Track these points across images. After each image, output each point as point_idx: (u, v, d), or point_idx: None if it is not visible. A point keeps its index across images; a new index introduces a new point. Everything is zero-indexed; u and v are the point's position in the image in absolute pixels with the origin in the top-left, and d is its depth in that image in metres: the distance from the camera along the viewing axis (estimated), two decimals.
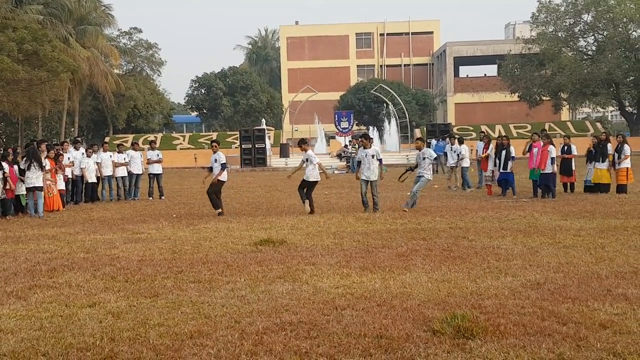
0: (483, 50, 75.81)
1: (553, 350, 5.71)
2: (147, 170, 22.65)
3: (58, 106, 49.44)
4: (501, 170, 19.70)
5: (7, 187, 17.06)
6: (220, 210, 16.68)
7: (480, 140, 23.43)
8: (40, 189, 17.43)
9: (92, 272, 9.54)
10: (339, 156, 44.42)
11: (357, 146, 40.52)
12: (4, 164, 17.00)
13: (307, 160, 16.45)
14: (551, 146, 18.54)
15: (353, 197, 20.05)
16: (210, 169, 16.98)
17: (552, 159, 18.43)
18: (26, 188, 17.40)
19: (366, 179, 16.40)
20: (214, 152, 16.97)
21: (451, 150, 23.62)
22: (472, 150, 25.70)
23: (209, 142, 18.05)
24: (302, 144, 16.97)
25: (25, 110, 42.12)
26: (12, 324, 6.92)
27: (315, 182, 16.61)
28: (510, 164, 19.56)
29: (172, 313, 7.16)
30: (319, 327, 6.46)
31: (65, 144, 21.94)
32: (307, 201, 16.37)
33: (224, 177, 16.84)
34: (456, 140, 23.79)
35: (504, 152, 19.57)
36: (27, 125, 55.61)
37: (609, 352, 5.67)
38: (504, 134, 46.51)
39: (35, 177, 17.21)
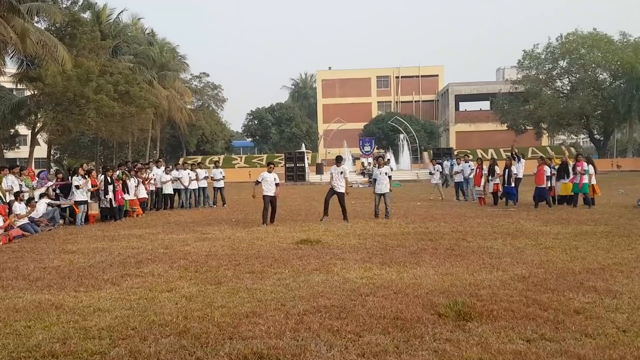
0: (478, 89, 75.29)
1: (536, 331, 5.64)
2: (211, 184, 22.83)
3: (144, 134, 50.19)
4: (505, 185, 19.44)
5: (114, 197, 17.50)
6: (265, 224, 15.51)
7: (466, 162, 23.18)
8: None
9: (170, 264, 9.62)
10: (363, 173, 44.40)
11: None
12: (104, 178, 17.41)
13: (341, 173, 15.73)
14: (546, 166, 18.64)
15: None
16: (258, 182, 15.89)
17: (547, 176, 18.50)
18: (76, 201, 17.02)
19: (379, 192, 16.41)
20: (270, 172, 15.87)
21: (434, 170, 24.12)
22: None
23: (266, 163, 17.13)
24: (339, 160, 16.13)
25: (118, 137, 42.81)
26: (108, 304, 7.01)
27: (344, 194, 15.83)
28: (511, 179, 19.32)
29: (232, 297, 7.19)
30: (348, 310, 6.44)
31: (151, 163, 22.25)
32: (326, 217, 15.80)
33: (272, 192, 15.71)
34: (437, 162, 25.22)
35: (507, 171, 19.34)
36: (120, 148, 56.43)
37: (582, 333, 5.59)
38: (495, 156, 46.27)
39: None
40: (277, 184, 15.97)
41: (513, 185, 19.38)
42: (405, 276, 8.25)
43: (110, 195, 17.34)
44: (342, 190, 15.76)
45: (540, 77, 56.89)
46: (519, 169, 19.91)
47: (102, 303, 7.09)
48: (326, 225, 14.88)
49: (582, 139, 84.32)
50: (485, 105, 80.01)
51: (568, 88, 57.93)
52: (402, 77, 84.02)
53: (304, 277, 8.28)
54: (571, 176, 18.76)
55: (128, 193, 18.27)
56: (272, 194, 15.79)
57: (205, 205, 22.34)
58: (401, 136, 59.45)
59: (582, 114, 54.33)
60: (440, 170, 24.69)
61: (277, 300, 7.01)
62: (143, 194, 19.56)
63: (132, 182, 18.69)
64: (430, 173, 24.77)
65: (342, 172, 15.79)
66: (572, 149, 55.29)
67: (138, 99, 35.99)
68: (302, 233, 13.32)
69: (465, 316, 6.06)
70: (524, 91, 57.55)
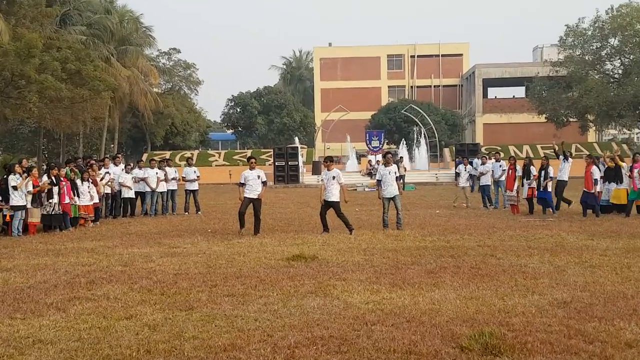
0: (511, 73, 75.52)
1: None
2: (183, 186, 22.80)
3: (99, 123, 49.97)
4: (540, 190, 19.48)
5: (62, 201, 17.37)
6: (242, 227, 15.98)
7: (497, 161, 23.23)
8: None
9: (130, 285, 9.60)
10: (370, 174, 44.41)
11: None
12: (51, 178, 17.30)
13: (333, 177, 15.69)
14: (594, 167, 18.60)
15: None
16: (242, 184, 16.11)
17: (595, 180, 18.46)
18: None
19: (388, 196, 16.41)
20: (252, 169, 16.15)
21: (465, 171, 23.96)
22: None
23: (246, 159, 17.30)
24: (329, 161, 16.12)
25: (67, 127, 42.60)
26: (51, 334, 6.98)
27: (338, 202, 15.83)
28: (549, 184, 19.37)
29: (206, 326, 7.17)
30: (350, 342, 6.43)
31: (106, 159, 22.17)
32: (326, 233, 15.63)
33: (257, 194, 15.91)
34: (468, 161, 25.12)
35: (542, 173, 19.38)
36: (68, 141, 56.32)
37: None
38: (531, 154, 46.39)
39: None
40: (263, 182, 16.10)
41: (549, 190, 19.43)
42: (421, 301, 8.25)
43: (56, 199, 17.29)
44: (336, 198, 15.74)
45: (587, 58, 56.93)
46: (564, 170, 19.91)
47: (44, 333, 7.06)
48: (324, 237, 14.90)
49: (637, 134, 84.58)
50: (519, 91, 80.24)
51: (620, 72, 57.97)
52: (418, 56, 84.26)
53: (296, 302, 8.28)
54: (624, 180, 18.85)
55: (78, 196, 18.20)
56: (256, 196, 15.89)
57: (174, 212, 22.33)
58: (417, 129, 59.55)
59: (636, 104, 54.38)
60: (471, 172, 24.57)
61: (262, 330, 7.00)
62: (94, 198, 19.40)
63: (84, 186, 18.58)
64: (457, 174, 24.80)
65: (334, 177, 15.73)
66: (625, 146, 55.44)
67: (92, 80, 35.80)
68: (295, 247, 13.33)
69: (493, 350, 6.07)
70: (567, 75, 57.57)
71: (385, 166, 16.77)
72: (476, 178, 26.47)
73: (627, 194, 18.85)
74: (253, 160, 16.52)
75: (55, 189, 17.30)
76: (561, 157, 20.20)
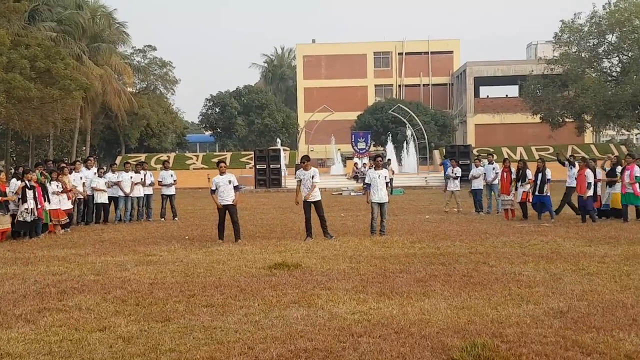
0: (504, 71, 75.73)
1: None
2: (159, 190, 22.70)
3: (70, 125, 49.72)
4: (537, 193, 19.57)
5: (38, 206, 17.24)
6: (221, 239, 16.01)
7: (489, 163, 23.25)
8: None
9: (103, 295, 9.55)
10: (356, 177, 44.40)
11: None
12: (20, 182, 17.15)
13: (312, 177, 15.86)
14: (588, 170, 18.62)
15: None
16: (213, 191, 16.09)
17: (589, 183, 18.51)
18: None
19: (379, 202, 16.44)
20: (222, 174, 16.12)
21: (452, 172, 23.89)
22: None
23: (216, 163, 17.29)
24: (306, 160, 16.20)
25: (36, 129, 42.37)
26: (20, 348, 6.94)
27: (320, 201, 16.13)
28: (546, 187, 19.47)
29: (183, 338, 7.15)
30: (335, 355, 6.43)
31: (77, 163, 22.02)
32: (310, 239, 15.77)
33: (231, 199, 15.95)
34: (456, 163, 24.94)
35: (539, 175, 19.48)
36: (38, 144, 55.95)
37: None
38: (525, 156, 46.60)
39: None
40: (236, 187, 16.16)
41: (548, 193, 19.51)
42: (410, 311, 8.26)
43: (32, 204, 17.13)
44: (319, 197, 16.03)
45: (583, 55, 57.15)
46: (573, 176, 19.92)
47: (12, 346, 7.02)
48: (308, 244, 14.90)
49: (636, 135, 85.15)
50: (512, 90, 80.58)
51: (618, 70, 58.23)
52: (406, 53, 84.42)
53: (278, 312, 8.27)
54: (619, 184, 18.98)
55: (48, 201, 18.07)
56: (230, 202, 15.95)
57: (149, 218, 22.23)
58: (406, 131, 59.65)
59: (636, 103, 54.61)
60: (459, 175, 24.47)
61: (243, 342, 6.99)
62: (66, 204, 19.27)
63: (53, 186, 18.47)
64: (447, 177, 24.83)
65: (313, 177, 15.92)
66: (623, 148, 55.72)
67: (62, 78, 35.68)
68: (277, 255, 13.32)
69: None
70: (562, 73, 57.76)
71: (376, 169, 16.80)
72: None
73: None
74: (222, 165, 16.46)
75: (30, 193, 17.15)
76: (566, 163, 20.29)
